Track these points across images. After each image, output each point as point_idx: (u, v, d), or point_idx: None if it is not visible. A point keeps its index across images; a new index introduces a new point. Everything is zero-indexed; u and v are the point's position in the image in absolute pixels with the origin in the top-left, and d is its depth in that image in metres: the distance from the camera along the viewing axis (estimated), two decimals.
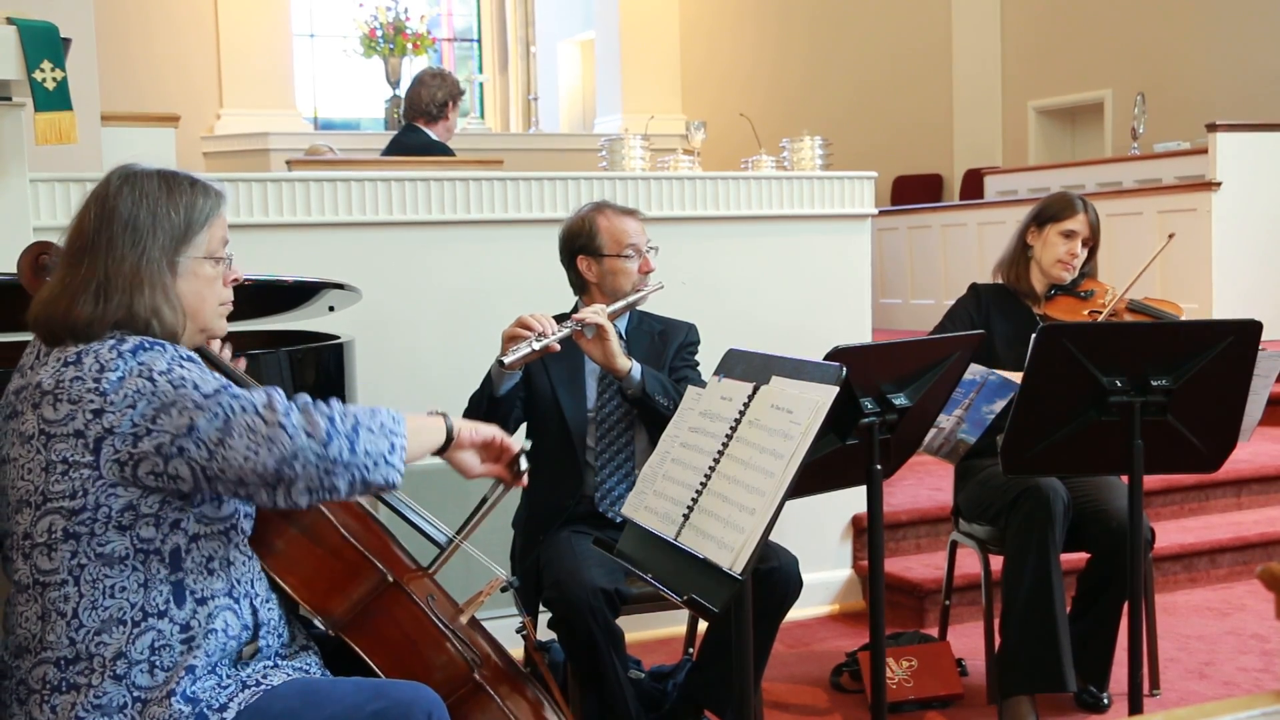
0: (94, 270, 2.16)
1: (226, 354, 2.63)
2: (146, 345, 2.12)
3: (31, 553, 2.13)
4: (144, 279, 2.17)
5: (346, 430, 2.07)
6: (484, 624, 2.72)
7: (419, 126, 6.41)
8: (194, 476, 2.07)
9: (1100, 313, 3.90)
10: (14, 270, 2.56)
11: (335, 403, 2.12)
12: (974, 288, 4.12)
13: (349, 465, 2.06)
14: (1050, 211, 4.01)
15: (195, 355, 2.20)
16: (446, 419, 2.33)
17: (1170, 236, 4.58)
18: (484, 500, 2.55)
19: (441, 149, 6.35)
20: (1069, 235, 3.96)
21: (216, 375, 2.14)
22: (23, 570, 2.15)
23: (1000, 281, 4.11)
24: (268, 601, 2.30)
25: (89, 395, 2.07)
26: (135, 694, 2.11)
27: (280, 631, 2.32)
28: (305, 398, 2.11)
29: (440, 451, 2.32)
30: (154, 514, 2.12)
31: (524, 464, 2.44)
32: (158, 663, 2.13)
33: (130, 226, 2.19)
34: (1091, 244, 4.00)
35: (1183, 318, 3.88)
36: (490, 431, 2.40)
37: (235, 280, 2.34)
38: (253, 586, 2.27)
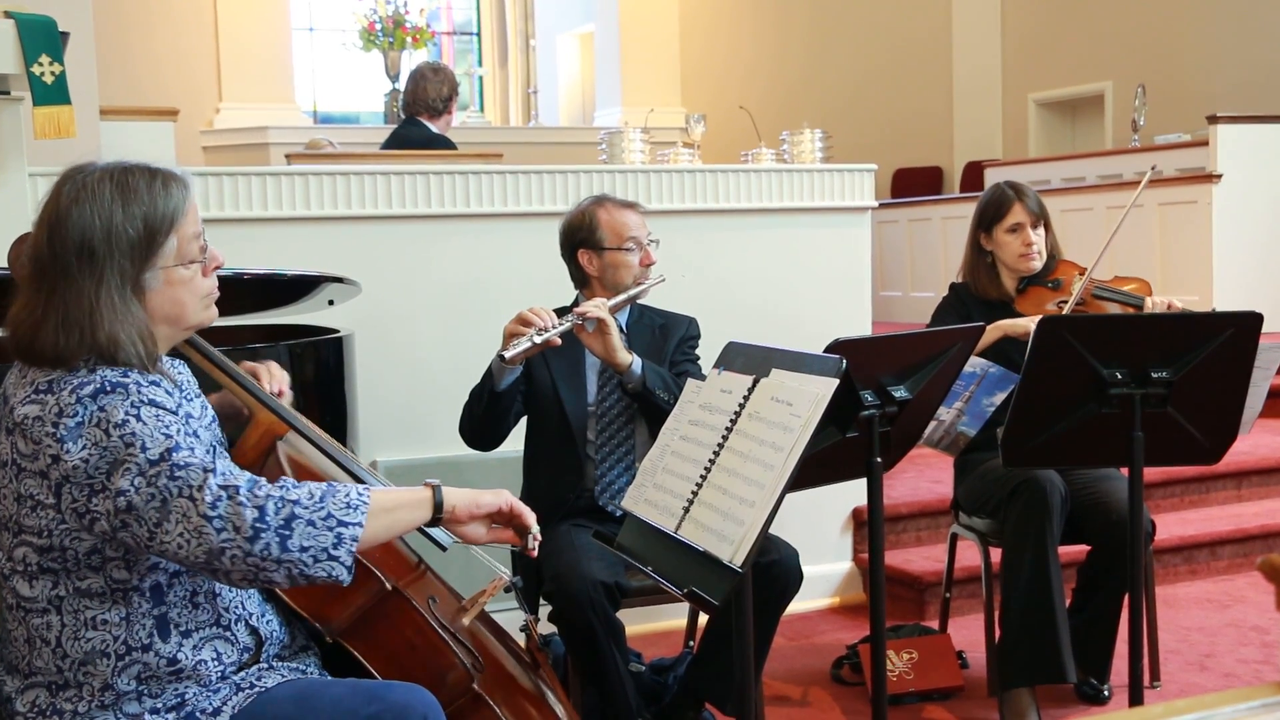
0: (54, 301, 2.04)
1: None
2: (109, 386, 2.00)
3: (11, 577, 2.08)
4: (102, 311, 2.03)
5: (277, 525, 1.94)
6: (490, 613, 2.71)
7: (421, 120, 6.41)
8: (140, 548, 2.00)
9: (1080, 305, 3.87)
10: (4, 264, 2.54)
11: (278, 489, 1.99)
12: (954, 287, 4.12)
13: (281, 561, 1.94)
14: (990, 214, 3.99)
15: (159, 395, 2.04)
16: (436, 494, 2.14)
17: (1152, 168, 4.47)
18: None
19: (444, 142, 6.36)
20: (1016, 229, 3.94)
21: (168, 431, 1.99)
22: (6, 590, 2.11)
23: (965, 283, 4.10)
24: (264, 616, 2.26)
25: (47, 440, 1.98)
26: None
27: (280, 638, 2.29)
28: (241, 482, 1.97)
29: (434, 524, 2.18)
30: (121, 558, 2.05)
31: (532, 541, 2.30)
32: (146, 691, 2.09)
33: (86, 252, 2.03)
34: (1043, 221, 3.98)
35: (1151, 296, 3.84)
36: (493, 504, 2.22)
37: (218, 267, 2.20)
38: (243, 608, 2.21)
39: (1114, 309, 3.85)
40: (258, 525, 1.93)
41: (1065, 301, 3.86)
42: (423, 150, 6.13)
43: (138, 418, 1.98)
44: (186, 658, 2.11)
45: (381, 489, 2.13)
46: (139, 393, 2.01)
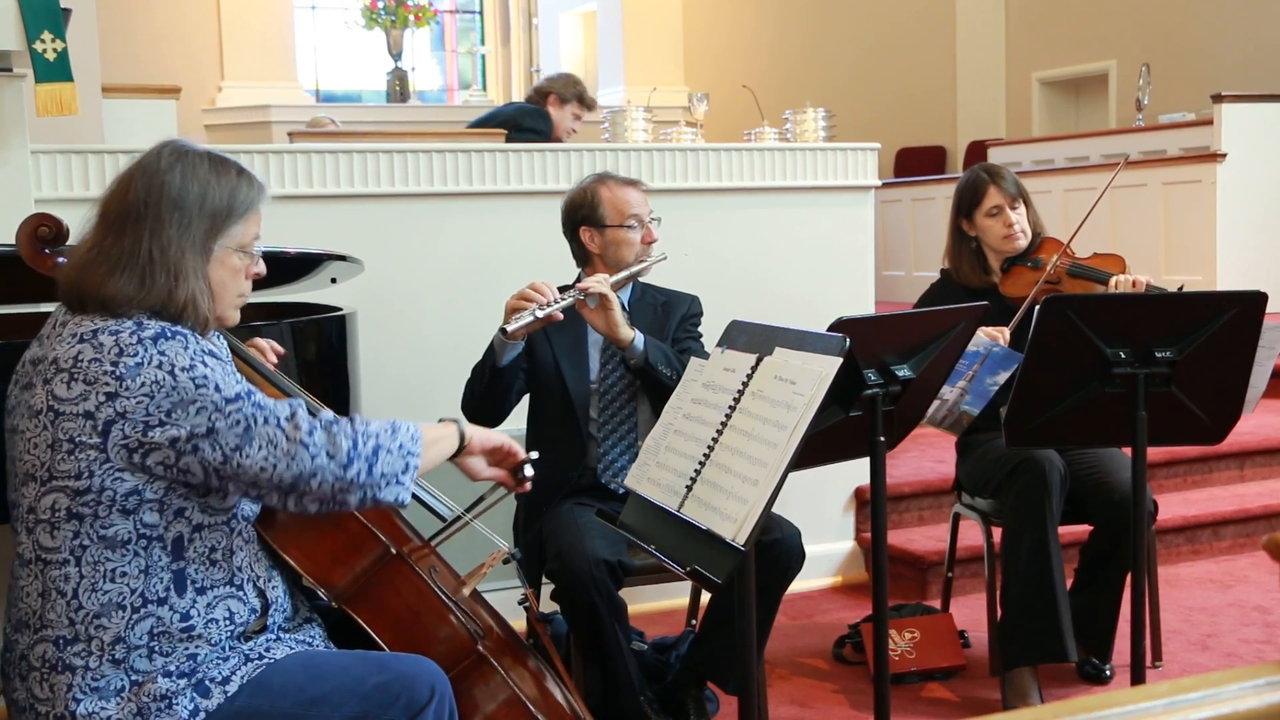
0: (137, 246, 2.14)
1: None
2: (168, 334, 2.09)
3: (35, 528, 2.12)
4: (186, 266, 2.15)
5: (367, 453, 2.15)
6: (487, 596, 2.73)
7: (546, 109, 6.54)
8: (205, 474, 2.08)
9: (1054, 283, 3.86)
10: (13, 242, 2.55)
11: (358, 421, 2.18)
12: (944, 274, 4.11)
13: (364, 485, 2.15)
14: (968, 200, 3.98)
15: (217, 349, 2.17)
16: (459, 424, 2.40)
17: (1125, 157, 4.39)
18: (480, 499, 2.63)
19: (536, 124, 6.42)
20: (996, 211, 3.93)
21: (239, 378, 2.14)
22: (26, 544, 2.15)
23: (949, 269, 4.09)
24: (271, 580, 2.30)
25: (105, 378, 2.05)
26: (133, 678, 2.11)
27: (284, 606, 2.32)
28: (329, 414, 2.17)
29: (454, 457, 2.40)
30: (158, 500, 2.11)
31: (528, 471, 2.52)
32: (157, 649, 2.13)
33: (178, 206, 2.16)
34: (1022, 199, 3.96)
35: (1122, 273, 3.82)
36: (499, 439, 2.47)
37: (258, 275, 2.31)
38: (253, 569, 2.26)
39: (1084, 286, 3.84)
40: (352, 454, 2.14)
41: (1050, 281, 3.86)
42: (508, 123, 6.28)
43: (204, 363, 2.10)
44: (199, 615, 2.15)
45: (424, 425, 2.33)
46: (197, 343, 2.14)
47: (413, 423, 2.26)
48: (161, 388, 2.04)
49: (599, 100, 13.63)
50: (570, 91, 6.57)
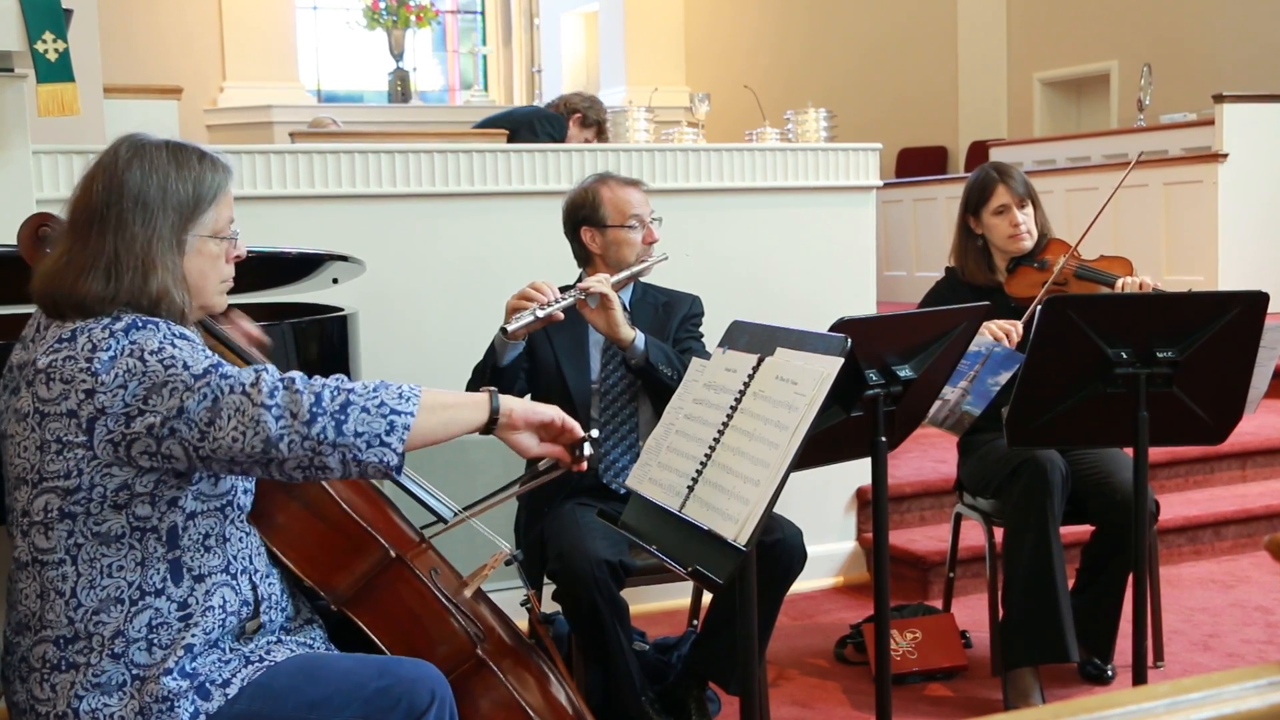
0: (102, 247, 2.12)
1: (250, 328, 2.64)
2: (139, 324, 2.09)
3: (30, 530, 2.12)
4: (155, 259, 2.13)
5: (333, 410, 2.02)
6: (489, 595, 2.72)
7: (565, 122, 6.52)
8: (187, 456, 2.05)
9: (1061, 284, 3.86)
10: (14, 242, 2.54)
11: (334, 380, 2.08)
12: (949, 271, 4.11)
13: (337, 446, 2.02)
14: (975, 197, 3.98)
15: (189, 332, 2.16)
16: (493, 398, 2.21)
17: (1140, 154, 4.38)
18: (536, 473, 2.48)
19: (551, 130, 6.42)
20: (1003, 210, 3.93)
21: (209, 353, 2.10)
22: (22, 547, 2.15)
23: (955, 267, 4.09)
24: (268, 577, 2.29)
25: (81, 375, 2.04)
26: (134, 672, 2.11)
27: (284, 606, 2.32)
28: (296, 375, 2.06)
29: (488, 430, 2.22)
30: (149, 492, 2.10)
31: (587, 449, 2.33)
32: (156, 640, 2.13)
33: (140, 202, 2.14)
34: (1030, 200, 3.97)
35: (1131, 275, 3.82)
36: (550, 414, 2.28)
37: (239, 257, 2.30)
38: (251, 562, 2.26)
39: (1090, 288, 3.84)
40: (314, 410, 2.01)
41: (1056, 283, 3.86)
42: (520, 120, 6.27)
43: (173, 344, 2.07)
44: (197, 604, 2.15)
45: (437, 389, 2.17)
46: (169, 329, 2.11)
47: (411, 384, 2.11)
48: (134, 375, 2.04)
49: (601, 99, 13.68)
50: (594, 117, 6.59)
